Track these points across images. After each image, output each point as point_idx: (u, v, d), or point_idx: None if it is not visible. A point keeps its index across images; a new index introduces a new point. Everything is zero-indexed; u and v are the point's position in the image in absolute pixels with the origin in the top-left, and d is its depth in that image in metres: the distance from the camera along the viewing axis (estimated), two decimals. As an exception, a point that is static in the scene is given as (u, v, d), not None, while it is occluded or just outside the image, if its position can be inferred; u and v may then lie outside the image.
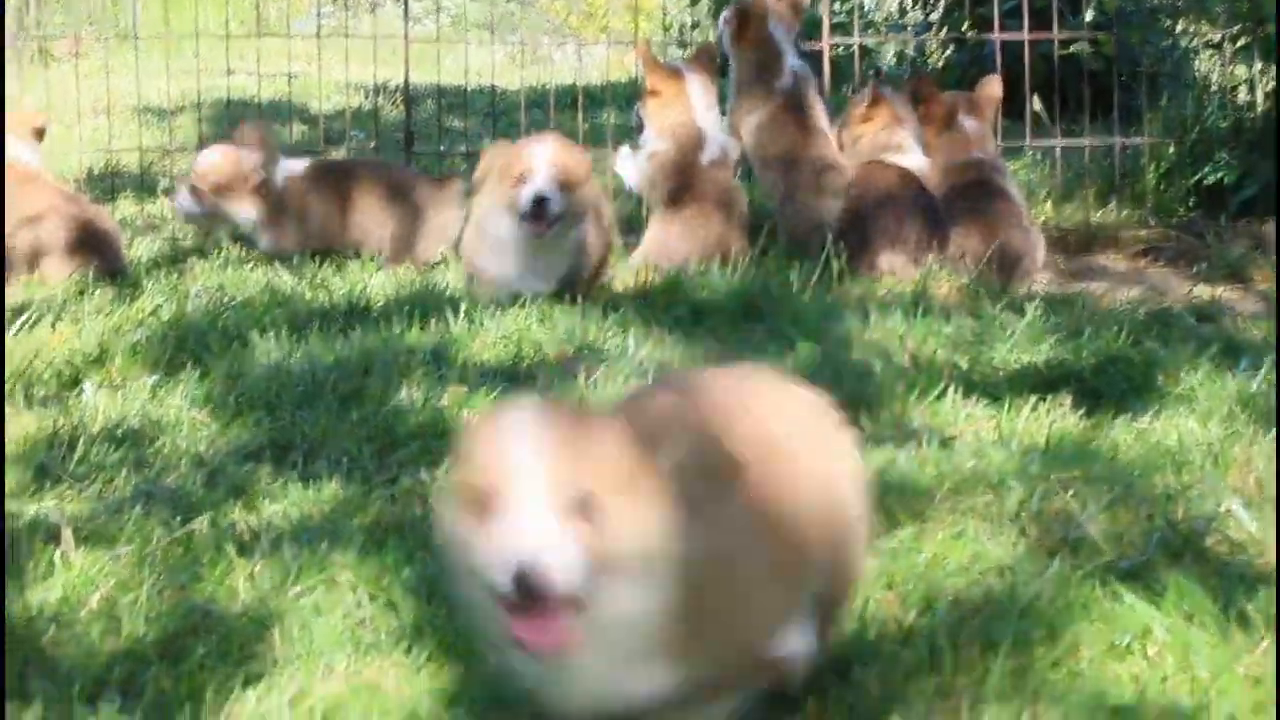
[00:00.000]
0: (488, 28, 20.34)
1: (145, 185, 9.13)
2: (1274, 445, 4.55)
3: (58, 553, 3.90)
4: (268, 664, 3.41)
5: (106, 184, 9.30)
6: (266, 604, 3.66)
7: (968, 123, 7.71)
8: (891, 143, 7.56)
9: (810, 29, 9.55)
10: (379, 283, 6.60)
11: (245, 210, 7.69)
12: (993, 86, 7.88)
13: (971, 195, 7.45)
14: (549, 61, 15.90)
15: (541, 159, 6.41)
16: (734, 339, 6.02)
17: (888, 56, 12.45)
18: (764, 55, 7.87)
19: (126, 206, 8.81)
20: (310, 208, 7.61)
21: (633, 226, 7.86)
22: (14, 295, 6.46)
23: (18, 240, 6.91)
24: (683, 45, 14.80)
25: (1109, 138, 8.96)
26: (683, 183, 7.36)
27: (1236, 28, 8.61)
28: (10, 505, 4.32)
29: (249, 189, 7.62)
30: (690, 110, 7.45)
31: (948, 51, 12.03)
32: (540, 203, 6.32)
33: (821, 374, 5.39)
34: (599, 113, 9.34)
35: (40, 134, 7.57)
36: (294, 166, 7.87)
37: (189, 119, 11.01)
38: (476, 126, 10.70)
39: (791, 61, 7.92)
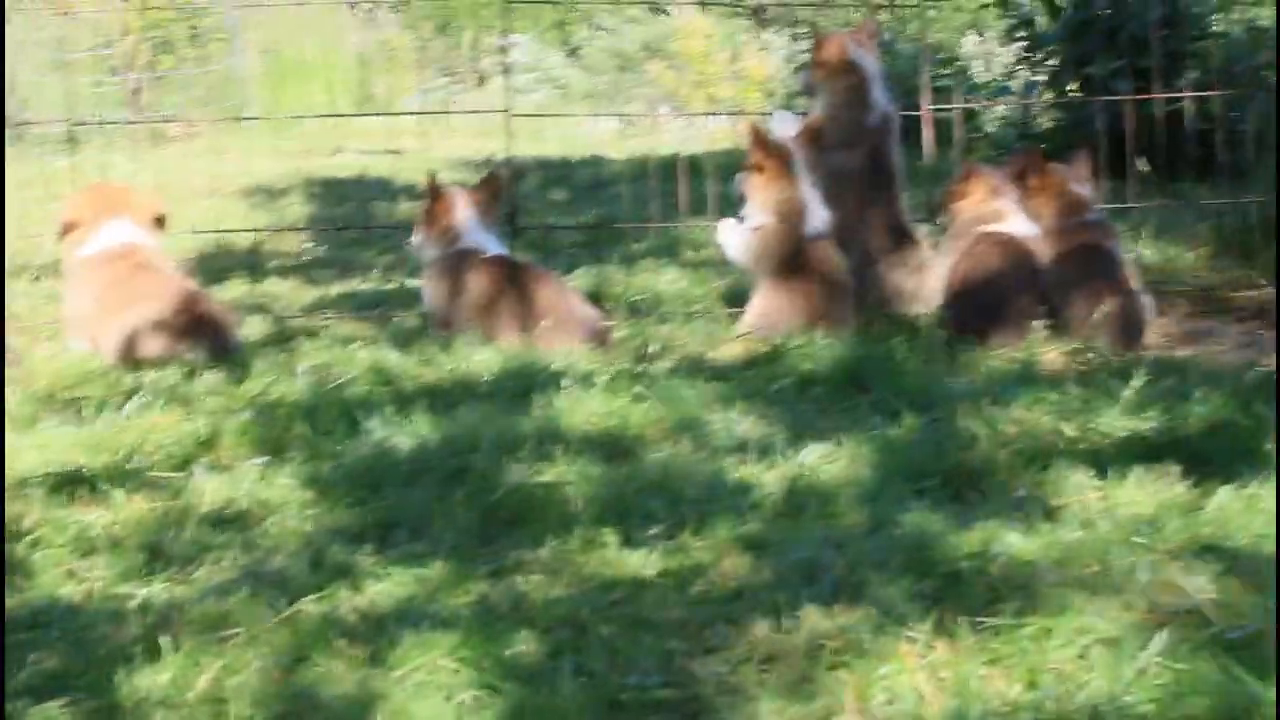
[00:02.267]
0: (596, 98, 20.51)
1: (255, 265, 9.25)
2: None
3: (166, 636, 3.94)
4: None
5: (217, 264, 9.43)
6: (369, 686, 3.68)
7: (1078, 187, 7.68)
8: (990, 213, 7.53)
9: (909, 94, 9.55)
10: (484, 358, 6.62)
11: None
12: (1083, 162, 7.84)
13: (1081, 260, 7.41)
14: (657, 131, 15.97)
15: None
16: (838, 410, 6.00)
17: (992, 119, 12.42)
18: (851, 82, 7.84)
19: (237, 286, 8.92)
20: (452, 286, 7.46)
21: (735, 299, 7.87)
22: (126, 379, 6.54)
23: (129, 324, 7.02)
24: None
25: (1215, 198, 8.89)
26: (787, 255, 7.35)
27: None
28: (120, 588, 4.38)
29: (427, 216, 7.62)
30: (794, 185, 7.42)
31: (1054, 113, 12.00)
32: None
33: (926, 445, 5.38)
34: (703, 183, 9.35)
35: (160, 222, 7.67)
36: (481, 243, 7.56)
37: (298, 198, 11.18)
38: (581, 198, 10.77)
39: (880, 97, 7.89)
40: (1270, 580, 4.01)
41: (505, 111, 8.50)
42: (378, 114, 8.32)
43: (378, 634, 3.94)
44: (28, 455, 5.51)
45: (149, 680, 3.76)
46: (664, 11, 23.19)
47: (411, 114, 8.94)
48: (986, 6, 12.47)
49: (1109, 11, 11.24)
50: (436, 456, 5.32)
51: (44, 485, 5.19)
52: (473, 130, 10.55)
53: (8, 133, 14.03)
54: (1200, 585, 3.98)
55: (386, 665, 3.79)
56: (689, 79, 21.51)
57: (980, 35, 17.14)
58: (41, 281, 9.06)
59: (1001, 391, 6.01)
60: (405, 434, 5.58)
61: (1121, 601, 3.93)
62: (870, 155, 7.80)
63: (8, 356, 6.82)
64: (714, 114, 13.85)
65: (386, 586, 4.32)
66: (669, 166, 10.69)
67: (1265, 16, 10.41)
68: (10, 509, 4.98)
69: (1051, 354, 6.83)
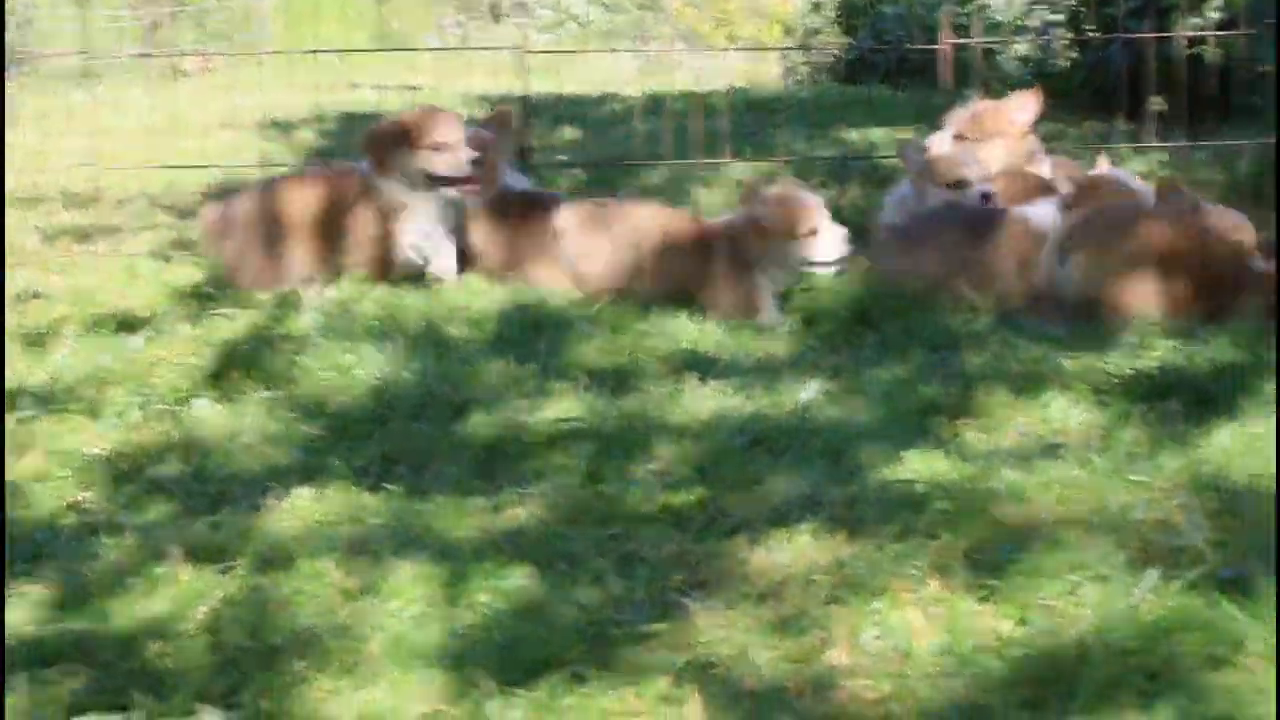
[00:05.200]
0: (618, 36, 20.46)
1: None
2: None
3: (162, 568, 3.97)
4: (366, 678, 3.45)
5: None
6: (365, 617, 3.70)
7: None
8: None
9: (930, 30, 9.50)
10: (494, 295, 6.62)
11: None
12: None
13: None
14: (677, 69, 15.93)
15: None
16: (847, 347, 5.99)
17: (1011, 58, 12.34)
18: None
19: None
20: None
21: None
22: (138, 311, 6.54)
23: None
24: (806, 49, 14.87)
25: (1233, 139, 8.85)
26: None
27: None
28: (120, 518, 4.40)
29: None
30: None
31: (1073, 53, 11.93)
32: None
33: (931, 383, 5.38)
34: (718, 119, 9.31)
35: None
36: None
37: (312, 133, 11.16)
38: (596, 136, 10.73)
39: None
40: (1264, 518, 4.02)
41: (520, 49, 8.46)
42: (392, 49, 8.29)
43: (376, 566, 3.96)
44: (34, 383, 5.53)
45: (146, 610, 3.79)
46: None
47: (426, 50, 8.89)
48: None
49: (1129, -51, 11.17)
50: (440, 392, 5.34)
51: (49, 414, 5.21)
52: (489, 67, 10.49)
53: (20, 67, 14.03)
54: (1196, 523, 3.99)
55: (383, 596, 3.82)
56: (709, 16, 21.44)
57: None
58: (58, 215, 9.05)
59: (1008, 330, 6.00)
60: (411, 370, 5.60)
61: (1116, 539, 3.94)
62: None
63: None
64: (728, 49, 13.77)
65: (387, 520, 4.33)
66: (686, 103, 10.67)
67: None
68: (14, 438, 5.00)
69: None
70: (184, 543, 4.12)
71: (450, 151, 6.78)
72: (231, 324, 6.22)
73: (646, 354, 5.81)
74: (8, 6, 15.36)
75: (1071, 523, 4.05)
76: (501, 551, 4.04)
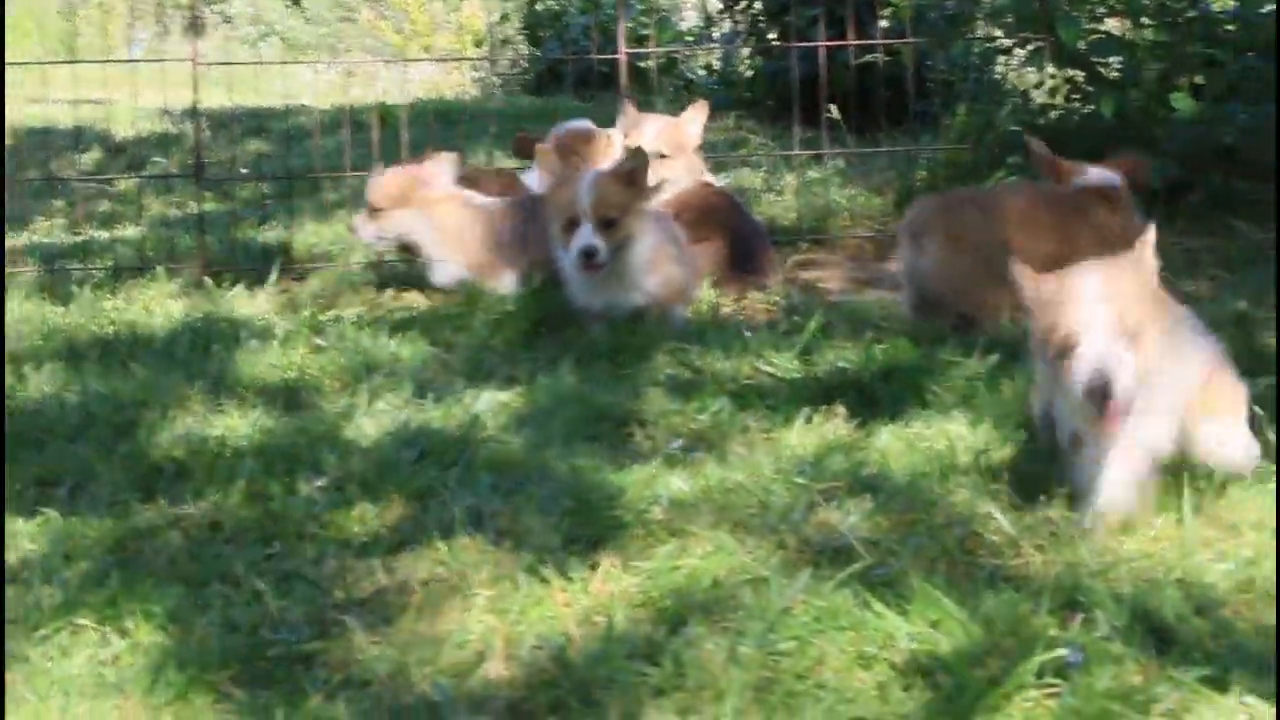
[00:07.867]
0: (319, 49, 20.27)
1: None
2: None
3: None
4: (7, 711, 3.33)
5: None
6: (8, 649, 3.57)
7: None
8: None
9: (611, 40, 9.56)
10: (164, 311, 6.48)
11: None
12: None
13: None
14: (377, 81, 15.86)
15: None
16: (524, 358, 5.96)
17: (697, 67, 12.49)
18: None
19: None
20: None
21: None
22: None
23: None
24: (492, 62, 14.88)
25: (905, 145, 9.06)
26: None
27: (1026, 34, 8.70)
28: None
29: None
30: None
31: (756, 60, 12.11)
32: None
33: (605, 392, 5.39)
34: (403, 131, 9.24)
35: None
36: None
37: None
38: (280, 149, 10.59)
39: None
40: (919, 517, 4.10)
41: (191, 61, 8.30)
42: (49, 62, 8.08)
43: (24, 594, 3.83)
44: None
45: None
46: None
47: (89, 62, 8.69)
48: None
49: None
50: (104, 411, 5.20)
51: None
52: (182, 81, 10.30)
53: None
54: (853, 523, 4.05)
55: (30, 624, 3.69)
56: (406, 29, 21.37)
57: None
58: None
59: (694, 338, 6.02)
60: (74, 390, 5.44)
61: (776, 541, 3.98)
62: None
63: None
64: (408, 60, 13.73)
65: (39, 545, 4.19)
66: (362, 113, 10.59)
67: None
68: None
69: (740, 301, 6.89)
70: None
71: None
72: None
73: (319, 369, 5.73)
74: None
75: (733, 527, 4.08)
76: (157, 573, 3.94)
